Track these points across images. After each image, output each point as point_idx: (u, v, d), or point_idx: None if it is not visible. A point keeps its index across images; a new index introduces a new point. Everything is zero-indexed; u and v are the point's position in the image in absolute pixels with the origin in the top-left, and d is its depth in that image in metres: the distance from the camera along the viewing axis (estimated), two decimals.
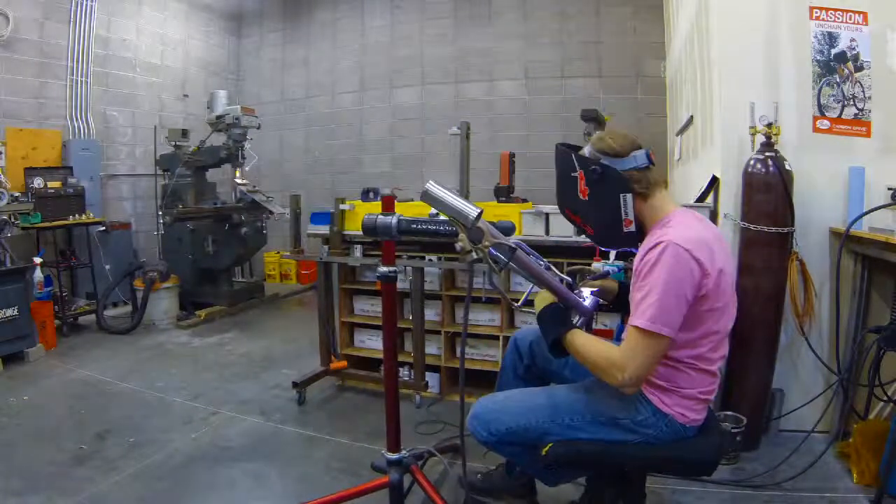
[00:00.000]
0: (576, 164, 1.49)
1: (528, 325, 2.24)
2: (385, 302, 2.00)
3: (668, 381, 1.45)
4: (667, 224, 1.45)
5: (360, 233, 3.40)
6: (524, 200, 3.99)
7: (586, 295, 1.64)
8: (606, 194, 1.46)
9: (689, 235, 1.38)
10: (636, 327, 1.34)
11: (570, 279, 1.68)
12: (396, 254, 3.37)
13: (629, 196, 1.45)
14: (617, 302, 1.74)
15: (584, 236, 1.63)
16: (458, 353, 3.38)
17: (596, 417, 1.48)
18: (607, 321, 3.01)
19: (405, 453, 1.95)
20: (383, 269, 1.91)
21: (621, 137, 1.50)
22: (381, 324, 3.46)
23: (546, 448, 1.47)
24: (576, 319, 1.55)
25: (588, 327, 1.65)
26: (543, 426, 1.50)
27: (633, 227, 1.48)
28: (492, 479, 2.08)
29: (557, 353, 1.49)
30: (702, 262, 1.35)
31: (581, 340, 1.44)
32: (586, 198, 1.49)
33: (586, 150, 1.52)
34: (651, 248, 1.38)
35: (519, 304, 1.63)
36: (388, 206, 1.82)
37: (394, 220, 1.64)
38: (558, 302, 1.54)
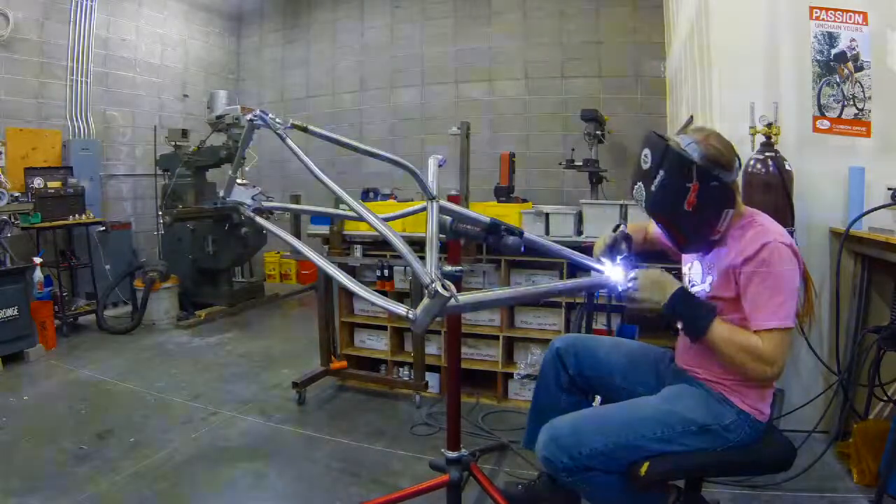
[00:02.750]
0: (694, 175, 1.39)
1: (566, 333, 2.10)
2: None
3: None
4: (753, 223, 1.48)
5: (360, 233, 3.42)
6: (524, 200, 3.98)
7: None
8: (712, 209, 1.43)
9: (781, 231, 1.46)
10: (777, 328, 1.36)
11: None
12: (396, 254, 3.37)
13: (731, 212, 1.46)
14: None
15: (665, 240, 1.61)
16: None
17: (686, 427, 1.44)
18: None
19: (464, 452, 1.97)
20: (448, 268, 1.91)
21: (728, 147, 1.48)
22: (380, 324, 3.49)
23: (644, 468, 1.40)
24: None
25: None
26: (634, 443, 1.42)
27: (718, 237, 1.49)
28: (535, 488, 1.97)
29: (696, 339, 1.45)
30: (799, 255, 1.44)
31: (726, 330, 1.40)
32: (690, 209, 1.41)
33: (695, 155, 1.42)
34: (759, 250, 1.40)
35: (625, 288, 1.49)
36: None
37: (449, 220, 1.67)
38: (678, 284, 1.46)
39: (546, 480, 1.94)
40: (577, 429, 1.46)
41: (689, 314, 1.44)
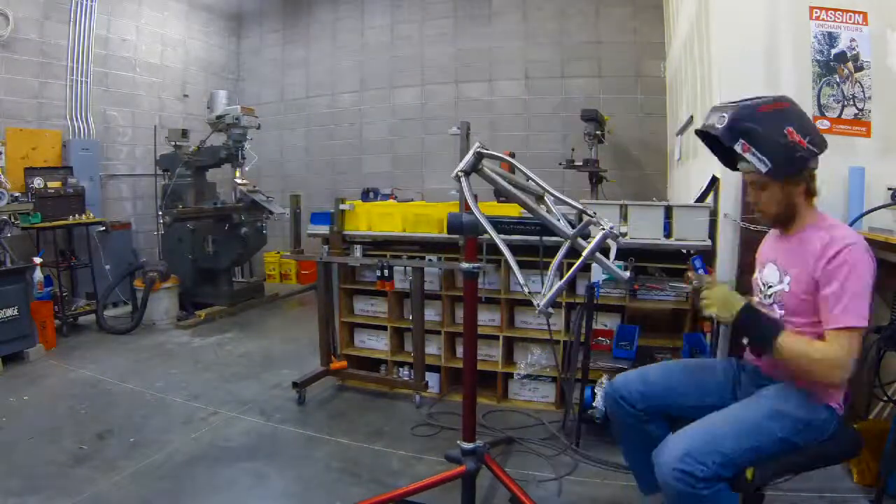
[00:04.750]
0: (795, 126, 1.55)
1: (620, 374, 2.02)
2: (467, 299, 2.01)
3: None
4: (828, 223, 1.55)
5: (360, 233, 3.42)
6: None
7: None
8: (797, 165, 1.56)
9: (854, 231, 1.53)
10: (847, 327, 1.41)
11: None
12: (396, 254, 3.37)
13: (803, 187, 1.59)
14: None
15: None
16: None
17: (795, 424, 1.48)
18: (607, 322, 3.02)
19: (479, 443, 1.98)
20: (465, 265, 1.92)
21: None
22: (380, 324, 3.49)
23: (749, 473, 1.43)
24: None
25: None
26: (757, 444, 1.45)
27: (793, 213, 1.58)
28: None
29: (762, 354, 1.55)
30: (872, 254, 1.48)
31: (794, 342, 1.45)
32: (790, 142, 1.54)
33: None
34: (840, 251, 1.46)
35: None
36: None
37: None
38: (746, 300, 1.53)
39: None
40: (705, 436, 1.45)
41: (758, 331, 1.49)
